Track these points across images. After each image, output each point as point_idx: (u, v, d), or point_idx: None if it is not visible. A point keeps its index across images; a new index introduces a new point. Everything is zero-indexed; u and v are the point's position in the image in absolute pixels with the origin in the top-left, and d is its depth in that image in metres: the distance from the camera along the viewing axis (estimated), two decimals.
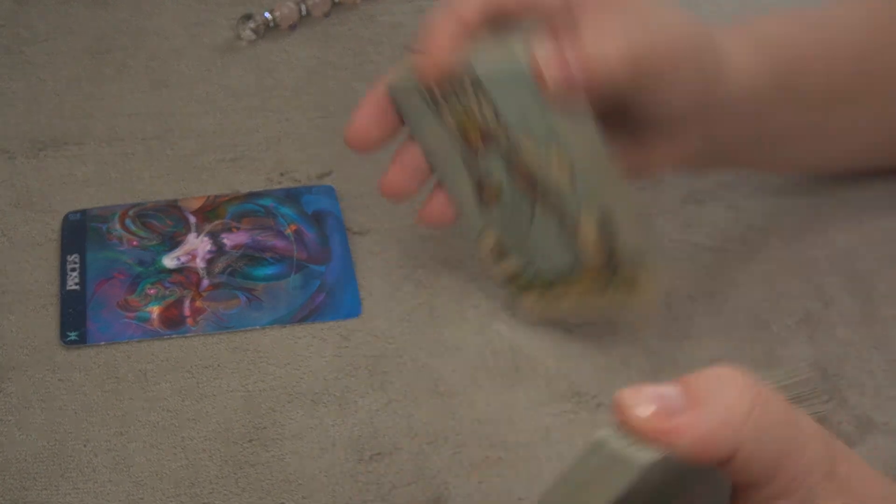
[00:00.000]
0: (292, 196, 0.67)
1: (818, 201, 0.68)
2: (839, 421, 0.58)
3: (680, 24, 0.55)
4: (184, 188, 0.68)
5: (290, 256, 0.64)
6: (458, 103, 0.56)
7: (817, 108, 0.61)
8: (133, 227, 0.65)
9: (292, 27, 0.77)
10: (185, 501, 0.55)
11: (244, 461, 0.56)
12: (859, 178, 0.69)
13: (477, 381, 0.60)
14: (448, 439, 0.58)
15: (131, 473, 0.56)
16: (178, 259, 0.64)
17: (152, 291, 0.63)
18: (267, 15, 0.76)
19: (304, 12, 0.77)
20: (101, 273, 0.63)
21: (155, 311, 0.62)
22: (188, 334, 0.61)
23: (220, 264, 0.64)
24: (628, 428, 0.38)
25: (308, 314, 0.62)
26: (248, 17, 0.76)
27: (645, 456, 0.38)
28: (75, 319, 0.61)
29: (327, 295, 0.63)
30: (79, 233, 0.65)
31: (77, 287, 0.63)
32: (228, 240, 0.65)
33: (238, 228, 0.66)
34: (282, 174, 0.69)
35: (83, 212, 0.66)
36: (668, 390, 0.39)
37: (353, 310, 0.62)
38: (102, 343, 0.61)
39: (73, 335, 0.61)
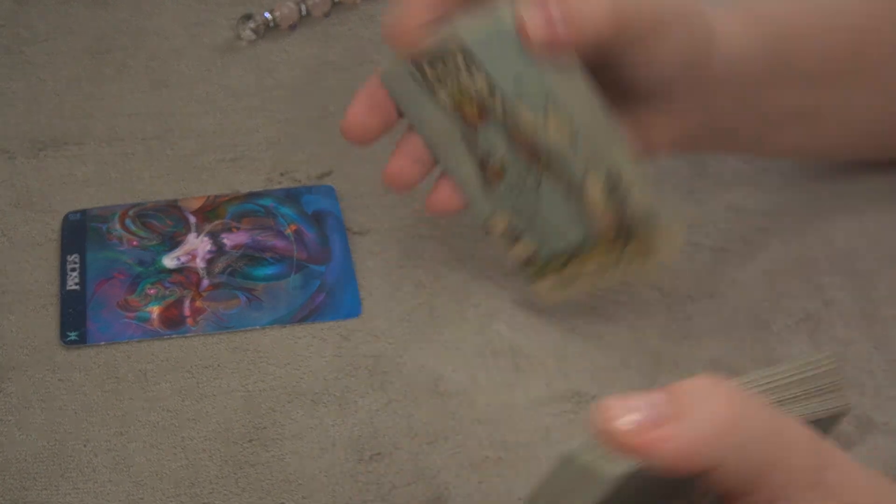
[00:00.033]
0: (292, 196, 0.67)
1: (818, 201, 0.68)
2: None
3: None
4: (184, 188, 0.68)
5: (290, 256, 0.64)
6: (451, 80, 0.55)
7: (812, 87, 0.61)
8: (133, 227, 0.65)
9: (292, 27, 0.77)
10: (185, 501, 0.55)
11: (244, 461, 0.56)
12: (859, 177, 0.69)
13: (477, 381, 0.60)
14: (448, 439, 0.58)
15: (131, 473, 0.56)
16: (178, 259, 0.64)
17: (152, 291, 0.63)
18: (267, 15, 0.76)
19: (304, 12, 0.77)
20: (101, 273, 0.63)
21: (155, 311, 0.62)
22: (188, 334, 0.61)
23: (220, 264, 0.64)
24: (605, 440, 0.38)
25: (308, 314, 0.62)
26: (248, 17, 0.76)
27: (615, 468, 0.38)
28: (75, 319, 0.61)
29: (327, 295, 0.63)
30: (79, 233, 0.65)
31: (77, 287, 0.63)
32: (228, 240, 0.65)
33: (238, 228, 0.66)
34: (282, 174, 0.69)
35: (83, 212, 0.66)
36: (648, 402, 0.38)
37: (353, 310, 0.62)
38: (102, 343, 0.61)
39: (73, 335, 0.61)
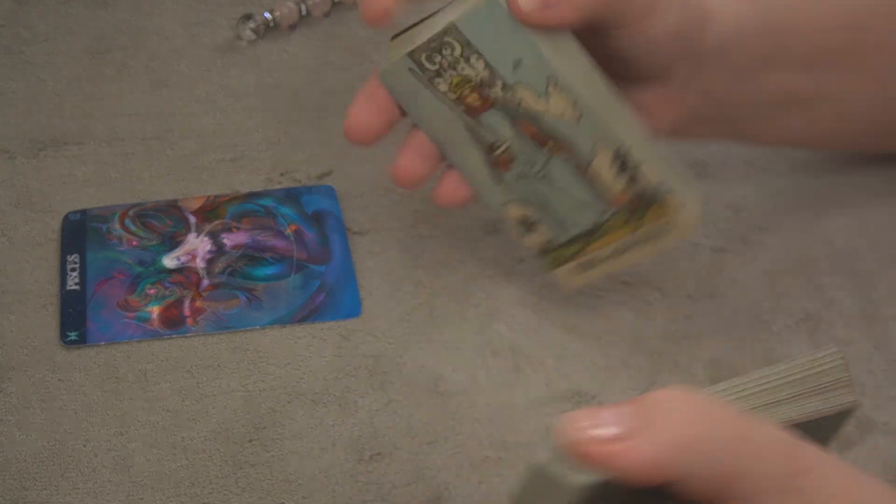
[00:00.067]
0: (292, 196, 0.67)
1: (818, 201, 0.68)
2: None
3: None
4: (184, 188, 0.68)
5: (290, 256, 0.64)
6: (449, 70, 0.55)
7: (809, 72, 0.61)
8: (133, 227, 0.65)
9: (292, 27, 0.77)
10: (185, 501, 0.55)
11: (244, 461, 0.56)
12: (859, 178, 0.69)
13: (477, 381, 0.60)
14: (448, 439, 0.58)
15: (131, 473, 0.56)
16: (178, 259, 0.64)
17: (152, 291, 0.63)
18: (267, 15, 0.76)
19: (304, 12, 0.77)
20: (101, 273, 0.63)
21: (155, 311, 0.62)
22: (188, 334, 0.61)
23: (220, 264, 0.64)
24: (569, 451, 0.38)
25: (308, 314, 0.62)
26: (248, 17, 0.76)
27: (581, 479, 0.38)
28: (75, 319, 0.61)
29: (327, 295, 0.63)
30: (79, 233, 0.65)
31: (77, 287, 0.63)
32: (228, 240, 0.65)
33: (238, 228, 0.66)
34: (282, 174, 0.69)
35: (83, 212, 0.66)
36: (612, 415, 0.38)
37: (353, 310, 0.62)
38: (102, 343, 0.61)
39: (73, 335, 0.61)
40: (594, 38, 0.55)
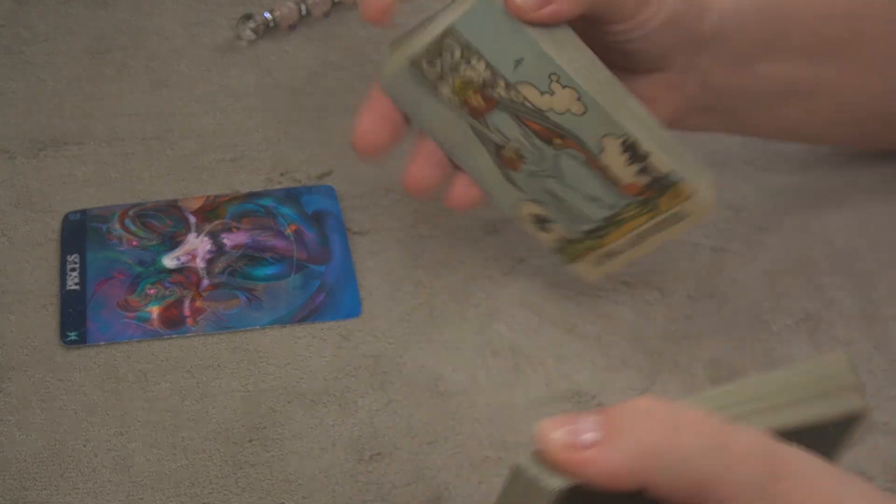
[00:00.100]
0: (292, 196, 0.67)
1: (818, 201, 0.68)
2: None
3: None
4: (184, 188, 0.68)
5: (290, 256, 0.64)
6: (451, 73, 0.55)
7: (807, 62, 0.61)
8: (133, 227, 0.65)
9: (292, 27, 0.77)
10: (185, 501, 0.55)
11: (244, 461, 0.56)
12: (859, 177, 0.69)
13: (477, 381, 0.60)
14: (448, 439, 0.58)
15: (131, 473, 0.56)
16: (178, 259, 0.64)
17: (152, 291, 0.63)
18: (267, 15, 0.76)
19: (304, 12, 0.77)
20: (101, 273, 0.63)
21: (155, 311, 0.62)
22: (188, 334, 0.61)
23: (220, 264, 0.64)
24: (543, 457, 0.40)
25: (308, 314, 0.62)
26: (248, 17, 0.76)
27: (557, 483, 0.39)
28: (75, 319, 0.61)
29: (327, 295, 0.63)
30: (79, 233, 0.65)
31: (77, 287, 0.63)
32: (228, 240, 0.65)
33: (238, 228, 0.66)
34: (282, 174, 0.69)
35: (83, 212, 0.66)
36: (582, 424, 0.39)
37: (353, 310, 0.62)
38: (102, 343, 0.61)
39: (73, 335, 0.61)
40: (591, 30, 0.55)
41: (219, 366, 0.60)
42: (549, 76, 0.54)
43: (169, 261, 0.64)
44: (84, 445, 0.57)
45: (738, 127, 0.64)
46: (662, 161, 0.55)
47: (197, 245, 0.65)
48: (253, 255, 0.64)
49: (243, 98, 0.73)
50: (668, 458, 0.39)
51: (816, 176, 0.69)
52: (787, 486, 0.39)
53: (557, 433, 0.39)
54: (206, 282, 0.63)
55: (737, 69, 0.59)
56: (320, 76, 0.75)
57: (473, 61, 0.54)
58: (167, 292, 0.62)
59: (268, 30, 0.76)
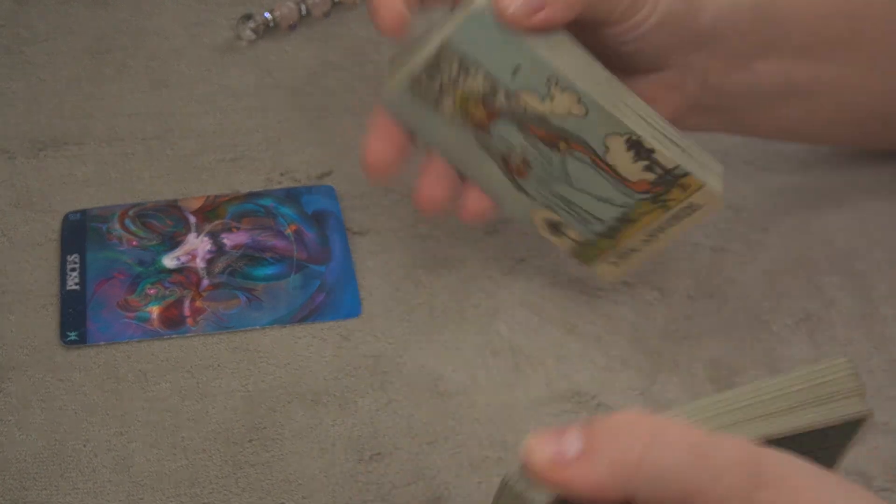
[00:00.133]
0: (292, 196, 0.67)
1: (818, 201, 0.68)
2: None
3: None
4: (184, 188, 0.68)
5: (290, 256, 0.64)
6: (451, 87, 0.55)
7: (805, 61, 0.61)
8: (133, 227, 0.65)
9: (292, 27, 0.77)
10: (185, 501, 0.55)
11: (244, 461, 0.56)
12: (859, 177, 0.69)
13: (477, 381, 0.60)
14: (448, 439, 0.58)
15: (131, 473, 0.56)
16: (178, 259, 0.64)
17: (152, 291, 0.63)
18: (267, 15, 0.76)
19: (304, 12, 0.77)
20: (101, 273, 0.63)
21: (155, 311, 0.62)
22: (188, 334, 0.61)
23: (220, 264, 0.64)
24: (528, 473, 0.40)
25: (308, 314, 0.62)
26: (248, 17, 0.76)
27: (542, 498, 0.40)
28: (75, 319, 0.61)
29: (327, 295, 0.63)
30: (79, 233, 0.65)
31: (77, 287, 0.63)
32: (228, 240, 0.65)
33: (238, 228, 0.66)
34: (282, 174, 0.69)
35: (83, 212, 0.66)
36: (568, 438, 0.40)
37: (353, 310, 0.62)
38: (102, 343, 0.61)
39: (73, 335, 0.61)
40: (586, 33, 0.55)
41: (219, 366, 0.60)
42: (548, 81, 0.54)
43: (169, 261, 0.64)
44: (84, 445, 0.57)
45: (739, 127, 0.64)
46: (668, 156, 0.55)
47: (197, 245, 0.65)
48: (253, 255, 0.64)
49: (243, 98, 0.73)
50: (650, 472, 0.39)
51: (816, 176, 0.69)
52: (770, 493, 0.39)
53: (542, 449, 0.40)
54: (206, 282, 0.63)
55: (735, 68, 0.60)
56: (320, 76, 0.75)
57: (472, 73, 0.54)
58: (167, 292, 0.62)
59: (268, 30, 0.76)
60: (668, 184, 0.56)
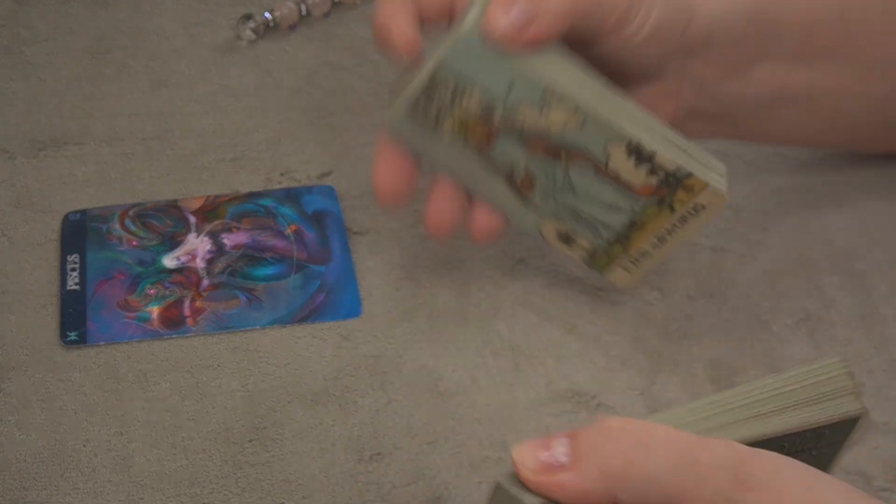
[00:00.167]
0: (292, 196, 0.67)
1: (819, 201, 0.68)
2: None
3: None
4: (184, 188, 0.68)
5: (290, 256, 0.64)
6: (450, 108, 0.55)
7: (801, 65, 0.61)
8: (133, 227, 0.65)
9: (292, 27, 0.77)
10: (185, 501, 0.55)
11: (244, 461, 0.56)
12: (859, 177, 0.69)
13: (477, 381, 0.60)
14: (448, 439, 0.58)
15: (131, 473, 0.56)
16: (178, 259, 0.64)
17: (152, 291, 0.63)
18: (267, 15, 0.76)
19: (304, 12, 0.77)
20: (101, 273, 0.63)
21: (155, 311, 0.62)
22: (188, 334, 0.61)
23: (220, 264, 0.64)
24: (519, 478, 0.41)
25: (308, 314, 0.62)
26: (248, 17, 0.76)
27: (534, 501, 0.41)
28: (75, 319, 0.61)
29: (327, 295, 0.63)
30: (79, 233, 0.65)
31: (77, 287, 0.63)
32: (228, 240, 0.65)
33: (238, 228, 0.66)
34: (282, 174, 0.69)
35: (83, 212, 0.66)
36: (556, 446, 0.41)
37: (353, 310, 0.62)
38: (102, 343, 0.61)
39: (73, 335, 0.61)
40: (580, 46, 0.56)
41: (219, 366, 0.60)
42: (543, 94, 0.54)
43: (169, 261, 0.64)
44: (84, 445, 0.57)
45: (736, 132, 0.64)
46: (668, 158, 0.55)
47: (197, 245, 0.65)
48: (253, 255, 0.64)
49: (243, 98, 0.73)
50: (636, 477, 0.40)
51: (816, 176, 0.69)
52: (755, 495, 0.39)
53: (530, 456, 0.41)
54: (206, 282, 0.63)
55: (731, 74, 0.60)
56: (320, 76, 0.75)
57: (468, 93, 0.55)
58: (167, 292, 0.62)
59: (268, 30, 0.76)
60: (673, 186, 0.56)
